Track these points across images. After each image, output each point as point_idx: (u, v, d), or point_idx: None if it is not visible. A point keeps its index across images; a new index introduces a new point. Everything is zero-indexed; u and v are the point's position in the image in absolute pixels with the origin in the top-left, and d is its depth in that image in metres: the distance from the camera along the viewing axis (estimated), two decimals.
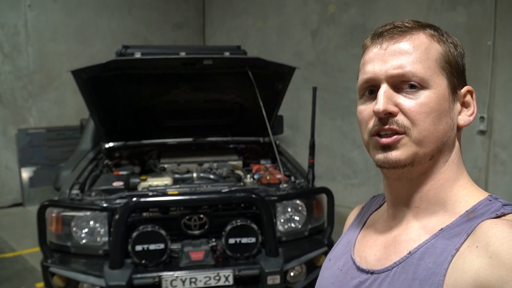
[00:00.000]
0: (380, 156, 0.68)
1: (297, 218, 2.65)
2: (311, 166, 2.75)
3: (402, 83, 0.67)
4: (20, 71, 5.83)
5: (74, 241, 2.40)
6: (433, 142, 0.67)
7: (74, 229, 2.40)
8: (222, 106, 3.24)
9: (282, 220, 2.60)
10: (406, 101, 0.66)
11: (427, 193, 0.70)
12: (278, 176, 2.82)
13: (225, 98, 3.17)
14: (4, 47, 5.70)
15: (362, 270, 0.73)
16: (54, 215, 2.41)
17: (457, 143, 0.72)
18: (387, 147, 0.67)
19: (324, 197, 2.69)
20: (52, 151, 5.87)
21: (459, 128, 0.72)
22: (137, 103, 3.04)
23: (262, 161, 3.24)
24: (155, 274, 2.24)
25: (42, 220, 2.36)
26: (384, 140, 0.67)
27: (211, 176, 2.88)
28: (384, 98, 0.66)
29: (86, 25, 6.32)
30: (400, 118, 0.66)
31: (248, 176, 2.87)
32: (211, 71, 2.86)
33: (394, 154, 0.67)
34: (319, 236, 2.68)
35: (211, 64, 2.75)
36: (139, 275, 2.22)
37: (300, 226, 2.64)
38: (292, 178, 2.88)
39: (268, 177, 2.81)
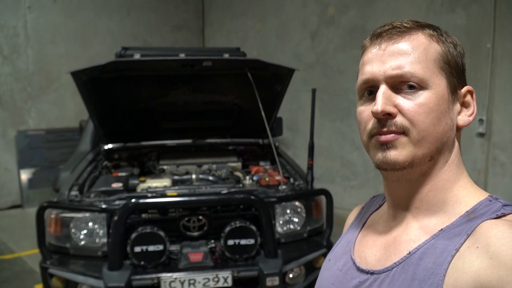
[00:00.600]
0: (380, 155, 0.68)
1: (296, 219, 2.64)
2: (310, 167, 2.75)
3: (401, 84, 0.67)
4: (20, 73, 5.83)
5: (73, 243, 2.40)
6: (432, 142, 0.67)
7: (73, 230, 2.40)
8: (221, 108, 3.24)
9: (281, 222, 2.59)
10: (405, 102, 0.66)
11: (427, 194, 0.70)
12: (277, 177, 2.82)
13: (224, 100, 3.17)
14: (3, 49, 5.70)
15: (362, 271, 0.73)
16: (53, 216, 2.40)
17: (456, 144, 0.72)
18: (386, 146, 0.67)
19: (323, 199, 2.69)
20: (51, 152, 5.87)
21: (458, 128, 0.71)
22: (136, 104, 3.04)
23: (261, 163, 3.24)
24: (154, 276, 2.24)
25: (41, 221, 2.35)
26: (384, 137, 0.67)
27: (210, 178, 2.88)
28: (383, 99, 0.66)
29: (85, 27, 6.33)
30: (399, 119, 0.66)
31: (247, 177, 2.87)
32: (210, 72, 2.86)
33: (393, 154, 0.67)
34: (318, 238, 2.67)
35: (210, 65, 2.75)
36: (138, 277, 2.22)
37: (299, 228, 2.64)
38: (291, 180, 2.88)
39: (267, 179, 2.81)
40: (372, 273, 0.71)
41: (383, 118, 0.67)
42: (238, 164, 3.15)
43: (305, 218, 2.65)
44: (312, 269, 2.56)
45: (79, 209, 2.40)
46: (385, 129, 0.67)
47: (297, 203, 2.64)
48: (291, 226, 2.63)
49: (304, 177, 2.85)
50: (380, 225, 0.78)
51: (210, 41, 7.67)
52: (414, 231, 0.70)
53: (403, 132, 0.66)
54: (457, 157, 0.72)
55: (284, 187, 2.71)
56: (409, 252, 0.67)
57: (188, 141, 3.34)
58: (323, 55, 5.61)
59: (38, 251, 2.42)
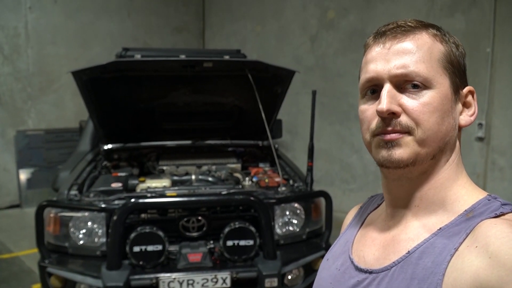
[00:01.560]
0: (384, 153, 0.68)
1: (295, 221, 2.65)
2: (310, 169, 2.75)
3: (405, 83, 0.67)
4: (20, 73, 5.83)
5: (72, 242, 2.39)
6: (436, 141, 0.67)
7: (72, 229, 2.40)
8: (221, 109, 3.24)
9: (280, 223, 2.60)
10: (410, 101, 0.66)
11: (427, 193, 0.70)
12: (277, 179, 2.82)
13: (225, 101, 3.18)
14: (4, 49, 5.70)
15: (361, 270, 0.73)
16: (52, 215, 2.40)
17: (457, 143, 0.72)
18: (390, 144, 0.67)
19: (322, 201, 2.69)
20: (50, 153, 5.86)
21: (460, 128, 0.72)
22: (136, 105, 3.05)
23: (261, 165, 3.24)
24: (152, 276, 2.23)
25: (40, 220, 2.35)
26: (389, 136, 0.67)
27: (210, 179, 2.88)
28: (388, 97, 0.66)
29: (85, 28, 6.34)
30: (404, 118, 0.66)
31: (247, 179, 2.87)
32: (211, 73, 2.87)
33: (398, 152, 0.66)
34: (317, 240, 2.67)
35: (211, 66, 2.76)
36: (136, 277, 2.22)
37: (298, 230, 2.64)
38: (291, 182, 2.88)
39: (266, 180, 2.81)
40: (370, 272, 0.71)
41: (388, 117, 0.66)
42: (238, 166, 3.16)
43: (304, 220, 2.65)
44: (311, 270, 2.56)
45: (78, 208, 2.39)
46: (389, 128, 0.66)
47: (296, 205, 2.64)
48: (290, 228, 2.63)
49: (304, 179, 2.85)
50: (378, 224, 0.78)
51: (210, 43, 7.68)
52: (413, 230, 0.70)
53: (408, 131, 0.66)
54: (457, 157, 0.72)
55: (283, 188, 2.72)
56: (408, 251, 0.67)
57: (188, 142, 3.35)
58: (323, 58, 5.62)
59: (36, 251, 2.41)
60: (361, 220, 0.85)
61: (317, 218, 2.72)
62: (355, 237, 0.81)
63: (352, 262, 0.76)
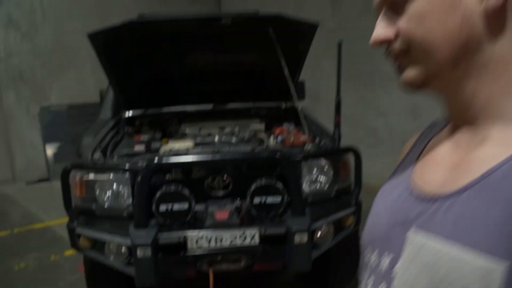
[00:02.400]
0: (399, 80, 0.63)
1: (323, 178, 2.55)
2: (337, 125, 2.66)
3: (396, 5, 0.59)
4: (39, 50, 5.86)
5: (98, 205, 2.38)
6: (440, 49, 0.56)
7: (98, 192, 2.38)
8: (243, 70, 3.15)
9: (307, 181, 2.51)
10: (401, 22, 0.58)
11: (488, 101, 0.57)
12: (302, 137, 2.73)
13: (245, 61, 3.08)
14: (21, 26, 5.71)
15: (423, 199, 0.61)
16: (77, 179, 2.39)
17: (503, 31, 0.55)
18: (398, 71, 0.63)
19: (350, 158, 2.59)
20: (74, 127, 5.93)
21: (490, 14, 0.54)
22: (155, 68, 2.99)
23: (285, 125, 3.15)
24: (180, 233, 2.21)
25: (66, 183, 2.34)
26: (393, 64, 0.63)
27: (233, 140, 2.82)
28: (377, 28, 0.61)
29: (101, 1, 6.29)
30: (396, 44, 0.59)
31: (271, 138, 2.79)
32: (230, 30, 2.76)
33: (404, 76, 0.62)
34: (346, 197, 2.59)
35: (229, 24, 2.65)
36: (164, 234, 2.19)
37: (326, 187, 2.55)
38: (317, 140, 2.78)
39: (292, 139, 2.72)
40: (435, 200, 0.58)
41: (385, 47, 0.62)
42: (262, 126, 3.08)
43: (332, 178, 2.55)
44: (341, 228, 2.48)
45: (103, 168, 2.37)
46: (390, 57, 0.62)
47: (323, 162, 2.55)
48: (318, 186, 2.55)
49: (330, 137, 2.75)
50: (443, 147, 0.65)
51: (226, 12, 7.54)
52: (490, 148, 0.56)
53: (404, 53, 0.59)
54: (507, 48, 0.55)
55: (309, 147, 2.63)
56: (487, 171, 0.53)
57: (209, 105, 3.27)
58: (345, 20, 5.41)
59: (67, 220, 2.40)
60: (421, 147, 0.72)
61: (346, 175, 2.62)
62: (415, 164, 0.69)
63: (412, 191, 0.64)
